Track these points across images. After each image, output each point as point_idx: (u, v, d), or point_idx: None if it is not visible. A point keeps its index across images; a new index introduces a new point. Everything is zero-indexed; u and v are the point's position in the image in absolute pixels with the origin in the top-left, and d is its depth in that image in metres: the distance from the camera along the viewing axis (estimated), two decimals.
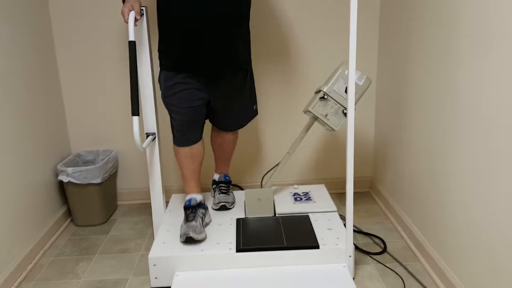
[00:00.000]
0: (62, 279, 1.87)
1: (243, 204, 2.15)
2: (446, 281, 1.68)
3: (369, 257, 1.96)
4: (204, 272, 1.73)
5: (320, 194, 2.25)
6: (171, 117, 1.95)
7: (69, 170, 2.19)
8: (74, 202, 2.29)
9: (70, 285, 1.82)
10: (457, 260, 1.62)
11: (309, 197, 2.21)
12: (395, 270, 1.85)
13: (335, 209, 2.10)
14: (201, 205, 1.96)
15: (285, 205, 2.12)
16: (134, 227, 2.29)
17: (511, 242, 1.29)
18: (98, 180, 2.23)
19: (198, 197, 1.99)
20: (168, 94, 1.88)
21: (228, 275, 1.71)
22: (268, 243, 1.79)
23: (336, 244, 1.78)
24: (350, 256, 1.75)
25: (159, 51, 1.89)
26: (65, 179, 2.19)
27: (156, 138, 2.01)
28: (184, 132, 1.94)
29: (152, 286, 1.75)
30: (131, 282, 1.82)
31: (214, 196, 2.20)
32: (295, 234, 1.86)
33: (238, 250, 1.75)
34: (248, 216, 2.05)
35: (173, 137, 1.98)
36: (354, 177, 2.62)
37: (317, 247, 1.77)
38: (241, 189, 2.59)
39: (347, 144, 1.63)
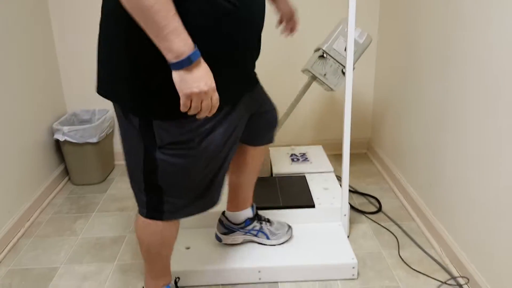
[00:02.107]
0: (60, 236, 1.89)
1: None
2: (440, 240, 1.71)
3: (364, 217, 1.99)
4: (201, 230, 1.75)
5: (317, 155, 2.25)
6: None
7: (65, 129, 2.18)
8: (70, 162, 2.29)
9: (68, 241, 1.85)
10: (452, 220, 1.64)
11: (306, 158, 2.21)
12: (389, 229, 1.88)
13: (332, 169, 2.10)
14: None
15: (282, 166, 2.13)
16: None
17: (504, 205, 1.30)
18: (94, 140, 2.22)
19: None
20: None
21: None
22: (265, 203, 1.81)
23: (332, 204, 1.80)
24: (345, 215, 1.77)
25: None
26: (61, 138, 2.18)
27: None
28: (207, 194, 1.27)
29: None
30: (129, 239, 1.85)
31: (267, 235, 1.65)
32: (291, 194, 1.87)
33: None
34: None
35: (160, 211, 1.22)
36: (352, 139, 2.62)
37: (312, 206, 1.78)
38: None
39: (345, 103, 1.62)
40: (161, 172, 1.14)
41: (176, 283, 1.41)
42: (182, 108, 1.01)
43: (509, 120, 1.27)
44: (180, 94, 0.98)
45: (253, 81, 1.32)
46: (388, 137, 2.34)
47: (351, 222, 1.93)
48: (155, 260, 1.31)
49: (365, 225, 1.92)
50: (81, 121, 2.43)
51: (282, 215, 1.77)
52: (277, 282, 1.56)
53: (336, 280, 1.57)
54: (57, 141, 2.26)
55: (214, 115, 1.11)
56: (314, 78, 1.93)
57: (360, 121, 2.64)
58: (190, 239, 1.69)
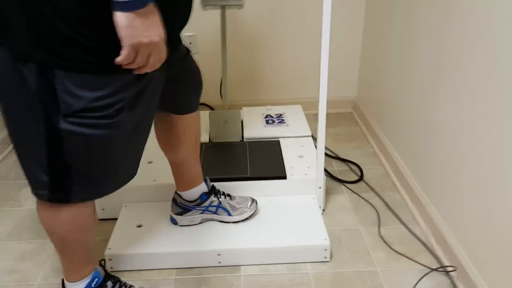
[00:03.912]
0: (2, 207, 1.68)
1: (208, 126, 1.92)
2: (426, 216, 1.53)
3: (343, 186, 1.80)
4: (156, 204, 1.55)
5: (296, 116, 2.02)
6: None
7: None
8: None
9: (11, 213, 1.64)
10: (440, 196, 1.45)
11: (282, 120, 1.98)
12: (370, 201, 1.69)
13: (310, 133, 1.88)
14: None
15: (255, 129, 1.90)
16: None
17: (500, 183, 1.10)
18: None
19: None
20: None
21: None
22: (230, 173, 1.60)
23: (306, 174, 1.59)
24: (320, 187, 1.57)
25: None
26: None
27: None
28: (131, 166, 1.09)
29: (99, 218, 1.58)
30: None
31: (225, 208, 1.45)
32: (262, 163, 1.66)
33: None
34: (213, 141, 1.84)
35: (67, 191, 0.99)
36: (336, 97, 2.38)
37: (284, 177, 1.58)
38: (211, 108, 2.35)
39: (321, 58, 1.37)
40: (68, 147, 0.91)
41: (102, 266, 1.21)
42: (122, 60, 0.80)
43: None
44: (124, 43, 0.79)
45: (178, 41, 1.12)
46: (375, 96, 2.10)
47: (329, 192, 1.74)
48: (72, 250, 1.10)
49: (343, 196, 1.73)
50: None
51: (249, 187, 1.57)
52: (239, 266, 1.38)
53: (306, 263, 1.39)
54: None
55: (145, 74, 0.90)
56: (221, 7, 1.72)
57: (346, 78, 2.39)
58: (143, 215, 1.49)
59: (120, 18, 0.77)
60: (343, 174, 1.88)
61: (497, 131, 1.12)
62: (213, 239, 1.38)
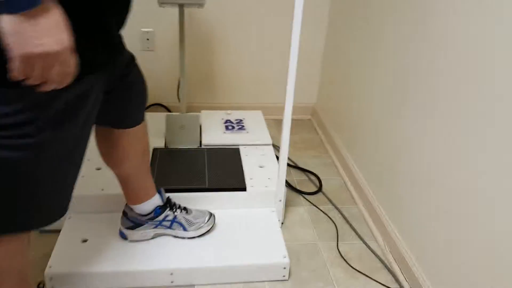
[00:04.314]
0: None
1: (164, 130, 1.81)
2: (383, 231, 1.52)
3: (302, 197, 1.76)
4: (104, 216, 1.43)
5: (256, 123, 1.96)
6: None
7: None
8: None
9: None
10: (398, 210, 1.44)
11: (243, 126, 1.91)
12: (328, 214, 1.66)
13: (270, 142, 1.83)
14: None
15: (213, 135, 1.82)
16: None
17: (462, 202, 1.09)
18: None
19: None
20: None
21: None
22: (187, 183, 1.51)
23: (266, 186, 1.53)
24: (280, 200, 1.51)
25: None
26: None
27: None
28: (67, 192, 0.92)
29: (41, 230, 1.44)
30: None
31: (181, 223, 1.36)
32: (221, 172, 1.58)
33: None
34: (168, 146, 1.74)
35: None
36: (296, 103, 2.33)
37: (244, 189, 1.51)
38: (168, 110, 2.24)
39: (290, 60, 1.31)
40: None
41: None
42: (15, 75, 0.65)
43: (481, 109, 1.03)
44: (12, 54, 0.63)
45: (120, 45, 0.98)
46: (335, 104, 2.08)
47: (288, 204, 1.69)
48: (1, 285, 0.94)
49: (302, 209, 1.69)
50: None
51: (207, 199, 1.49)
52: (193, 285, 1.30)
53: (264, 281, 1.33)
54: None
55: (75, 85, 0.76)
56: (179, 5, 1.61)
57: (306, 83, 2.35)
58: (89, 229, 1.37)
59: (4, 22, 0.61)
60: (302, 184, 1.84)
61: (461, 147, 1.11)
62: (165, 256, 1.29)
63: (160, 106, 2.24)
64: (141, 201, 1.29)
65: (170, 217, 1.33)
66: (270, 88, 2.32)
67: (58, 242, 1.31)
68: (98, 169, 1.54)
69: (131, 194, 1.28)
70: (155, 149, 1.68)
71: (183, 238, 1.36)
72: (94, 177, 1.49)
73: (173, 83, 2.20)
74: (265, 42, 2.19)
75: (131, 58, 1.06)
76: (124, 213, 1.31)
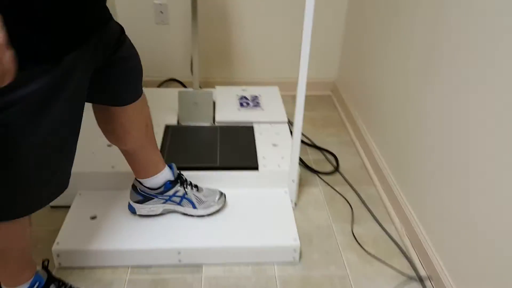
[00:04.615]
0: None
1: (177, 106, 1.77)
2: (401, 214, 1.45)
3: (317, 177, 1.70)
4: (113, 192, 1.41)
5: (272, 99, 1.89)
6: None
7: None
8: None
9: None
10: (417, 193, 1.37)
11: (258, 103, 1.85)
12: (344, 196, 1.60)
13: (286, 119, 1.76)
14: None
15: (227, 112, 1.77)
16: None
17: (484, 191, 1.02)
18: None
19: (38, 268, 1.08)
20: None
21: None
22: (197, 161, 1.47)
23: (279, 166, 1.48)
24: (293, 180, 1.46)
25: None
26: None
27: None
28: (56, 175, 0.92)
29: (51, 205, 1.44)
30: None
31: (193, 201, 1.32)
32: (233, 151, 1.54)
33: None
34: (181, 123, 1.70)
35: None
36: (315, 78, 2.26)
37: (255, 168, 1.47)
38: (183, 85, 2.19)
39: (302, 39, 1.24)
40: None
41: (46, 266, 1.09)
42: None
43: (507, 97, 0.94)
44: None
45: (102, 18, 0.91)
46: (356, 80, 1.99)
47: (303, 184, 1.64)
48: (3, 260, 0.97)
49: (317, 189, 1.63)
50: None
51: (218, 178, 1.45)
52: (200, 265, 1.27)
53: (273, 264, 1.30)
54: None
55: (53, 66, 0.74)
56: None
57: (326, 58, 2.26)
58: (98, 205, 1.36)
59: None
60: (318, 164, 1.78)
61: (488, 132, 1.02)
62: (173, 235, 1.27)
63: (174, 82, 2.20)
64: (151, 174, 1.26)
65: (180, 193, 1.30)
66: (288, 62, 2.24)
67: (66, 218, 1.31)
68: (109, 145, 1.52)
69: (140, 168, 1.26)
70: (167, 126, 1.65)
71: (192, 216, 1.33)
72: (105, 153, 1.47)
73: (187, 58, 2.15)
74: (283, 14, 2.10)
75: (120, 31, 1.00)
76: (133, 187, 1.29)
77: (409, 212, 1.40)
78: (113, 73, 1.00)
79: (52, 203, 1.40)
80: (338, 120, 2.11)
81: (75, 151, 0.93)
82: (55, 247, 1.20)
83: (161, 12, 2.03)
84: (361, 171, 1.75)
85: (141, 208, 1.30)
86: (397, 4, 1.53)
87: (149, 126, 1.21)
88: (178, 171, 1.34)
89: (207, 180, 1.44)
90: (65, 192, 1.39)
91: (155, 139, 1.26)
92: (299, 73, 1.28)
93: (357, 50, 1.99)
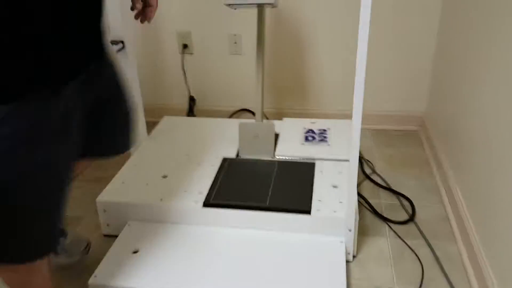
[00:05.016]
0: None
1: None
2: (481, 279, 1.19)
3: (387, 226, 1.49)
4: (161, 225, 1.38)
5: (342, 133, 1.73)
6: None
7: None
8: None
9: None
10: (502, 257, 1.11)
11: (325, 137, 1.71)
12: (416, 252, 1.38)
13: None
14: None
15: (289, 146, 1.65)
16: None
17: None
18: None
19: None
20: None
21: (189, 231, 1.36)
22: (246, 199, 1.38)
23: (335, 211, 1.32)
24: (350, 230, 1.29)
25: None
26: None
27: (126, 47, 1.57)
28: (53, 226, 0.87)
29: (104, 233, 1.46)
30: (86, 220, 1.54)
31: None
32: (287, 190, 1.42)
33: (205, 204, 1.37)
34: (241, 156, 1.63)
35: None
36: (401, 111, 2.05)
37: (307, 212, 1.33)
38: (266, 117, 2.14)
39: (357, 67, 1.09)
40: None
41: None
42: None
43: None
44: None
45: (101, 43, 0.84)
46: (445, 115, 1.74)
47: (368, 233, 1.45)
48: None
49: (385, 241, 1.43)
50: None
51: (265, 219, 1.34)
52: None
53: None
54: None
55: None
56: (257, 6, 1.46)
57: (414, 89, 2.03)
58: (143, 238, 1.33)
59: None
60: (391, 210, 1.57)
61: None
62: (206, 283, 1.18)
63: (247, 112, 2.15)
64: None
65: None
66: (370, 92, 2.06)
67: (110, 250, 1.30)
68: (164, 177, 1.50)
69: None
70: (224, 159, 1.59)
71: None
72: (159, 185, 1.46)
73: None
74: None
75: (111, 64, 0.93)
76: None
77: (491, 281, 1.13)
78: (100, 117, 0.92)
79: (108, 232, 1.44)
80: (423, 160, 1.86)
81: (59, 214, 0.84)
82: (91, 280, 1.19)
83: (235, 42, 2.01)
84: (442, 223, 1.50)
85: None
86: (495, 29, 1.30)
87: None
88: None
89: (253, 220, 1.34)
90: (116, 221, 1.41)
91: None
92: (354, 102, 1.12)
93: (448, 81, 1.75)
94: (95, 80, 0.87)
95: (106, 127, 0.97)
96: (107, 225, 1.44)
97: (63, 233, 1.30)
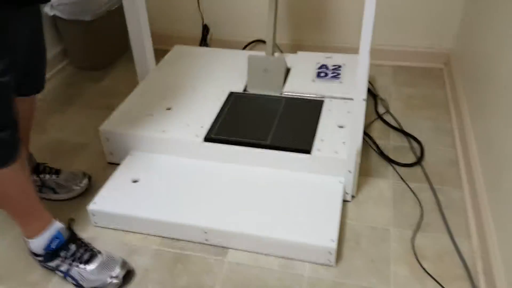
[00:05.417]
0: None
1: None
2: (481, 228, 1.17)
3: (391, 168, 1.46)
4: (162, 157, 1.40)
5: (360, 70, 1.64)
6: None
7: (54, 1, 1.83)
8: (66, 41, 1.99)
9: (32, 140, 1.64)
10: (507, 207, 1.07)
11: (338, 74, 1.64)
12: (417, 195, 1.35)
13: (364, 96, 1.52)
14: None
15: (299, 82, 1.60)
16: (133, 78, 1.96)
17: None
18: (87, 17, 1.85)
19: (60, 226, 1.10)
20: None
21: (189, 165, 1.37)
22: (248, 136, 1.36)
23: (336, 152, 1.29)
24: (350, 171, 1.27)
25: None
26: (49, 11, 1.85)
27: None
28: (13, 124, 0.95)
29: (108, 161, 1.49)
30: (91, 148, 1.57)
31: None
32: (290, 128, 1.39)
33: (207, 139, 1.36)
34: (248, 91, 1.59)
35: None
36: (425, 47, 1.93)
37: (307, 151, 1.30)
38: (280, 50, 2.05)
39: None
40: None
41: (70, 226, 1.12)
42: None
43: None
44: None
45: None
46: (471, 53, 1.62)
47: (371, 174, 1.43)
48: (8, 205, 1.04)
49: (387, 182, 1.41)
50: None
51: (265, 156, 1.33)
52: (227, 248, 1.20)
53: (304, 262, 1.16)
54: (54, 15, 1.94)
55: None
56: None
57: (442, 25, 1.89)
58: (143, 168, 1.36)
59: None
60: (399, 152, 1.52)
61: None
62: (203, 212, 1.21)
63: (263, 43, 2.07)
64: None
65: (38, 183, 1.32)
66: (393, 25, 1.93)
67: (110, 179, 1.33)
68: (168, 108, 1.49)
69: None
70: (231, 93, 1.56)
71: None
72: (164, 116, 1.46)
73: (279, 18, 1.99)
74: None
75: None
76: None
77: (489, 229, 1.11)
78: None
79: (111, 160, 1.47)
80: (442, 101, 1.77)
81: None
82: (91, 206, 1.24)
83: None
84: (450, 168, 1.45)
85: None
86: None
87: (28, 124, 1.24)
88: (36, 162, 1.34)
89: (253, 157, 1.33)
90: (119, 151, 1.43)
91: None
92: (362, 33, 1.05)
93: (480, 19, 1.60)
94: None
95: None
96: (111, 153, 1.47)
97: (56, 172, 1.35)
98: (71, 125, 1.71)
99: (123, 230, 1.25)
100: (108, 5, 1.94)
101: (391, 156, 1.50)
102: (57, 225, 1.08)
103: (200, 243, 1.21)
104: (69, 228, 1.12)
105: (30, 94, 1.16)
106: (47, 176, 1.33)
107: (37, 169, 1.34)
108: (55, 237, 1.07)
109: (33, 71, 1.12)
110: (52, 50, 2.01)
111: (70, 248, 1.08)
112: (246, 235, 1.16)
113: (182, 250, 1.20)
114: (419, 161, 1.48)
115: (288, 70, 1.65)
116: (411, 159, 1.49)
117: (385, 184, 1.40)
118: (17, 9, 0.92)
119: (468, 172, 1.37)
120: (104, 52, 2.03)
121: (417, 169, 1.45)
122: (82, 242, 1.11)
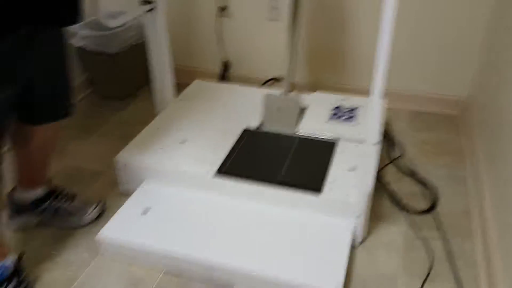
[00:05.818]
0: None
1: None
2: (493, 283, 1.13)
3: (403, 215, 1.44)
4: (174, 189, 1.41)
5: (371, 113, 1.65)
6: None
7: (82, 33, 1.91)
8: (91, 71, 2.06)
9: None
10: None
11: (352, 116, 1.65)
12: (429, 244, 1.32)
13: (376, 139, 1.52)
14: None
15: (313, 122, 1.61)
16: (152, 109, 2.00)
17: None
18: (113, 50, 1.93)
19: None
20: None
21: (199, 198, 1.37)
22: (258, 172, 1.37)
23: (347, 195, 1.29)
24: (358, 216, 1.25)
25: None
26: (76, 43, 1.94)
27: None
28: None
29: (121, 191, 1.51)
30: (106, 176, 1.60)
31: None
32: (301, 167, 1.39)
33: (218, 173, 1.37)
34: (263, 128, 1.61)
35: None
36: (441, 94, 1.93)
37: (317, 190, 1.30)
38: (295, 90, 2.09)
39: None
40: None
41: (20, 258, 1.13)
42: None
43: None
44: None
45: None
46: (489, 106, 1.62)
47: (382, 219, 1.41)
48: None
49: (397, 230, 1.38)
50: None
51: (273, 194, 1.33)
52: (231, 285, 1.18)
53: None
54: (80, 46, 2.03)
55: None
56: None
57: (458, 72, 1.90)
58: (155, 199, 1.37)
59: None
60: (412, 198, 1.50)
61: None
62: (209, 247, 1.20)
63: (281, 81, 2.10)
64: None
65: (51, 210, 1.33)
66: (409, 71, 1.94)
67: (121, 208, 1.34)
68: (183, 142, 1.52)
69: (20, 176, 1.31)
70: (245, 130, 1.58)
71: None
72: (177, 150, 1.48)
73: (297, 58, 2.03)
74: (410, 16, 1.82)
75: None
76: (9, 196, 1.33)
77: (500, 283, 1.07)
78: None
79: (122, 189, 1.49)
80: (457, 148, 1.76)
81: None
82: (98, 236, 1.25)
83: (274, 7, 1.95)
84: (463, 218, 1.42)
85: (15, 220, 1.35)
86: None
87: (50, 147, 1.29)
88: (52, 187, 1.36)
89: (262, 194, 1.33)
90: (135, 181, 1.45)
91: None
92: (374, 77, 1.06)
93: (498, 68, 1.61)
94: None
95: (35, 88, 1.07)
96: (124, 183, 1.49)
97: (71, 198, 1.37)
98: (88, 153, 1.75)
99: (128, 261, 1.25)
100: (133, 39, 2.02)
101: (404, 202, 1.48)
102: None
103: (205, 279, 1.20)
104: (19, 260, 1.11)
105: (48, 122, 1.19)
106: (59, 204, 1.34)
107: (52, 194, 1.35)
108: (1, 270, 1.06)
109: (49, 98, 1.13)
110: (76, 79, 2.09)
111: (12, 283, 1.07)
112: (252, 275, 1.15)
113: (186, 285, 1.19)
114: (431, 209, 1.46)
115: (303, 110, 1.66)
116: (423, 206, 1.47)
117: (396, 230, 1.38)
118: (34, 30, 0.93)
119: (481, 223, 1.34)
120: (127, 83, 2.09)
121: (428, 218, 1.43)
122: (23, 279, 1.10)
